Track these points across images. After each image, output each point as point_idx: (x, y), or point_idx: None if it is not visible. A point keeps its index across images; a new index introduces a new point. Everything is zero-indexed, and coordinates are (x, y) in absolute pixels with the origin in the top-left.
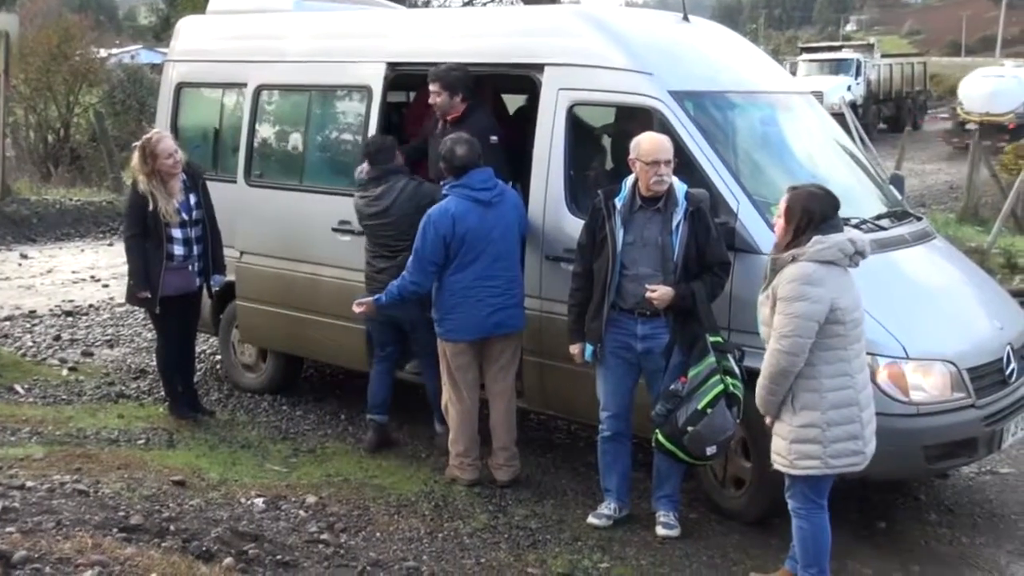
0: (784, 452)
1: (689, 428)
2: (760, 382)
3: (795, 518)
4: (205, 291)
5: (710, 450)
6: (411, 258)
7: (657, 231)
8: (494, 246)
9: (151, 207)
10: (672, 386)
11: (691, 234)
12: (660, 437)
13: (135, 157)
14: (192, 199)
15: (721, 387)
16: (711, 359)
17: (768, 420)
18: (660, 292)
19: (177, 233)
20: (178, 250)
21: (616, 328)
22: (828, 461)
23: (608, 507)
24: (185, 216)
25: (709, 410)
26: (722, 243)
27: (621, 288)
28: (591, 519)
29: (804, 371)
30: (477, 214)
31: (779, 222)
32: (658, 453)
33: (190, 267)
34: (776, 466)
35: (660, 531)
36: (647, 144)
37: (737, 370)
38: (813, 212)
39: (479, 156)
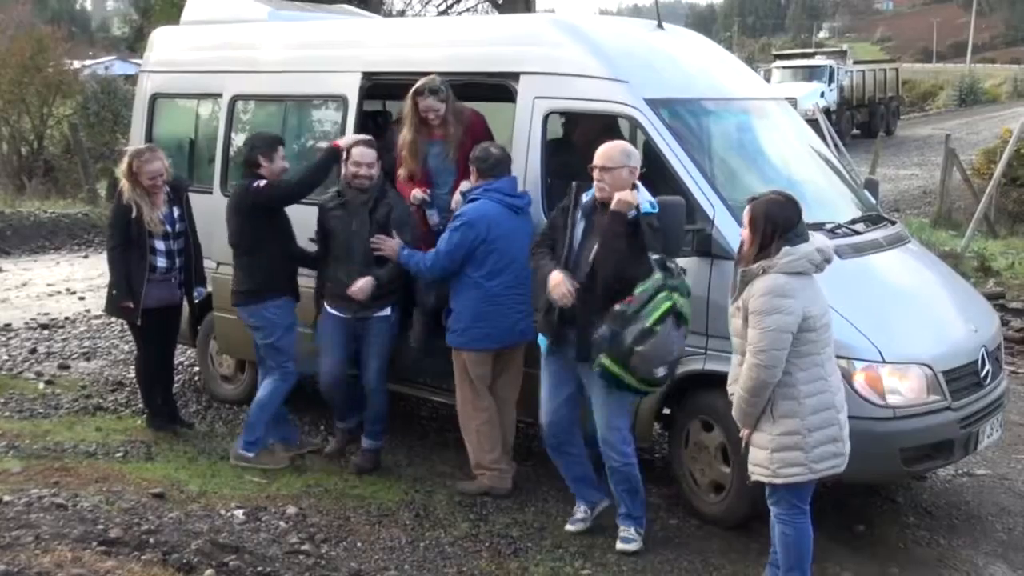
0: (766, 462)
1: (637, 348)
2: (739, 395)
3: (778, 524)
4: (185, 302)
5: (659, 372)
6: (435, 252)
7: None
8: (522, 254)
9: (135, 214)
10: (617, 307)
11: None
12: (605, 360)
13: (123, 162)
14: (176, 212)
15: (669, 303)
16: (658, 275)
17: (745, 433)
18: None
19: (160, 245)
20: (161, 262)
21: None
22: (811, 466)
23: (579, 510)
24: (169, 228)
25: (658, 328)
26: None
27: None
28: (568, 526)
29: (781, 380)
30: (510, 220)
31: (744, 233)
32: (603, 383)
33: (172, 279)
34: (756, 478)
35: (618, 545)
36: (598, 150)
37: (685, 287)
38: (778, 220)
39: (510, 162)
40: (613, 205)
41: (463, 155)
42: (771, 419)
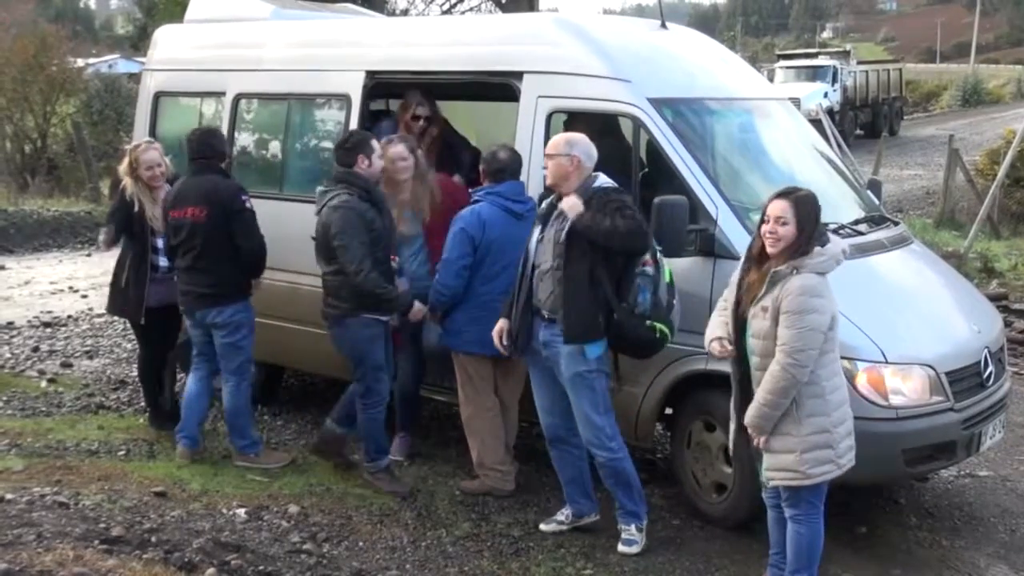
0: (795, 465)
1: (674, 303)
2: (763, 399)
3: (793, 524)
4: None
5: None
6: (440, 264)
7: (556, 227)
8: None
9: (136, 209)
10: (645, 269)
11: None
12: (660, 326)
13: (124, 160)
14: None
15: (667, 264)
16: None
17: (762, 440)
18: (569, 202)
19: (162, 243)
20: (163, 261)
21: (530, 328)
22: (839, 461)
23: (562, 513)
24: None
25: (673, 282)
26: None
27: (533, 285)
28: (542, 524)
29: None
30: (507, 224)
31: (784, 230)
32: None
33: (174, 278)
34: (780, 483)
35: (619, 548)
36: None
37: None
38: (819, 218)
39: (520, 166)
40: (561, 204)
41: (435, 222)
42: (796, 421)
